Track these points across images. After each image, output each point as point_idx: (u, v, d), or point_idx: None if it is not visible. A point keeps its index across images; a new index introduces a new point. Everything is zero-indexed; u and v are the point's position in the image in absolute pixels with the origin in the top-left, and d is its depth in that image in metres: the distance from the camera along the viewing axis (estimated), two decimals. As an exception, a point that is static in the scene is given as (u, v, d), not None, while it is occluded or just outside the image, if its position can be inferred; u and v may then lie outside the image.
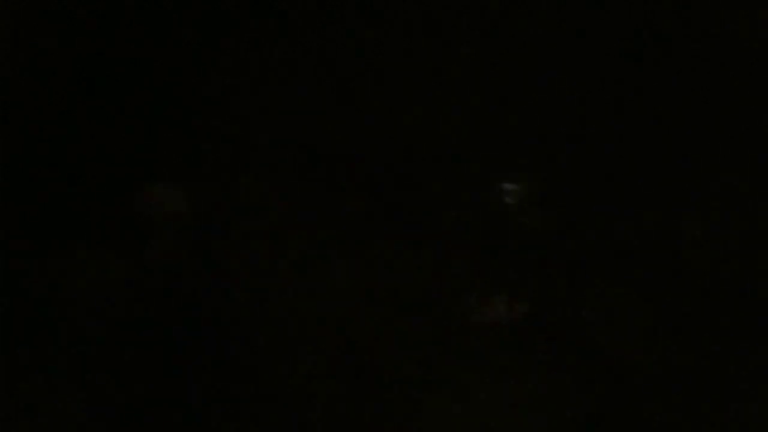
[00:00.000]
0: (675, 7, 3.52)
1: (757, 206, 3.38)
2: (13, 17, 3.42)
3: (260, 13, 3.55)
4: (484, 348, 3.29)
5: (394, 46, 3.53)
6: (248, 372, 3.17)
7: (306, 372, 3.24)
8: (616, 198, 3.49)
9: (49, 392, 3.11)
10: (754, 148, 3.41)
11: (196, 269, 3.25)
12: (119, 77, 3.51)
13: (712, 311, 3.31)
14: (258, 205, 3.42)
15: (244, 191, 3.45)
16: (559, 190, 3.54)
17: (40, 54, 3.46)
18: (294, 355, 3.25)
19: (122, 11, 3.50)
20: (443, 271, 3.42)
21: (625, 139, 3.49)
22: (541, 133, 3.53)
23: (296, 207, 3.45)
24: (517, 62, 3.53)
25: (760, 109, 3.39)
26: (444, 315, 3.37)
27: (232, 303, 3.24)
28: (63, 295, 3.27)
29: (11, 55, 3.43)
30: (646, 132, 3.48)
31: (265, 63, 3.53)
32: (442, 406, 3.15)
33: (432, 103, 3.53)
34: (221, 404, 3.09)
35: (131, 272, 3.25)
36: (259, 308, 3.28)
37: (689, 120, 3.45)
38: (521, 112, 3.52)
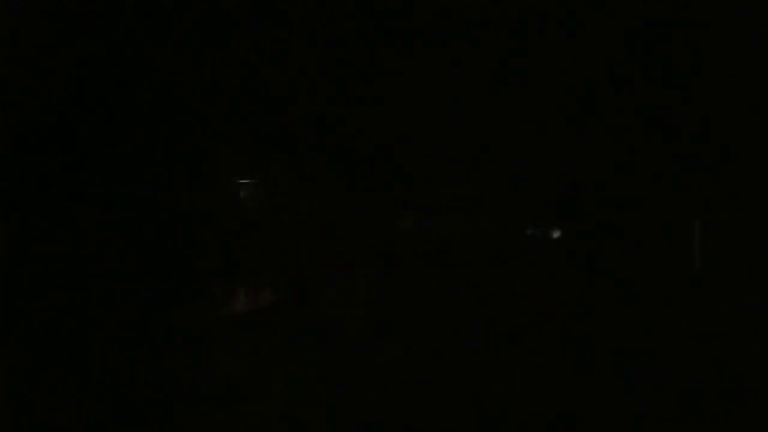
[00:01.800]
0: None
1: (459, 201, 3.91)
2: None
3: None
4: (230, 338, 3.47)
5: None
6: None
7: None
8: (348, 193, 3.85)
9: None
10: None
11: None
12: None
13: (432, 288, 3.78)
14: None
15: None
16: (296, 185, 3.84)
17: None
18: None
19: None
20: (188, 265, 3.56)
21: (348, 137, 3.83)
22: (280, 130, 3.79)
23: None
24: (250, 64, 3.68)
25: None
26: (191, 308, 3.52)
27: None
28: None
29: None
30: (371, 132, 3.81)
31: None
32: (190, 394, 3.29)
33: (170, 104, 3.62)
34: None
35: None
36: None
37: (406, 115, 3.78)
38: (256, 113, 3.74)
